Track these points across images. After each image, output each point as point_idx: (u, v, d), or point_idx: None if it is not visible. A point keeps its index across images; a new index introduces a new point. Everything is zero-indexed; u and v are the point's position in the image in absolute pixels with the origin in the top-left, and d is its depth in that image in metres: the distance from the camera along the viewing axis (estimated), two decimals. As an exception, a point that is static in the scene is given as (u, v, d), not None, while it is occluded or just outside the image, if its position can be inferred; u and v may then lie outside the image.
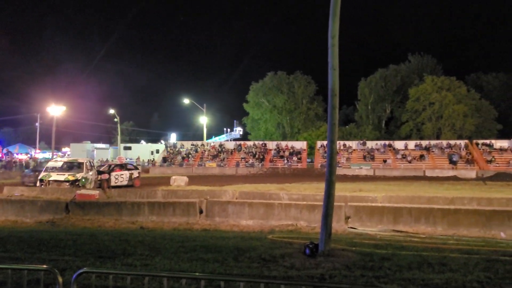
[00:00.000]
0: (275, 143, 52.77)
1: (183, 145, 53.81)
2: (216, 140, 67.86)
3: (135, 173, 27.87)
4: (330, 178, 8.18)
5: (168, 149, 53.21)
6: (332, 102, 8.12)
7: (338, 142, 49.75)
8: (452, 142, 48.14)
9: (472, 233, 11.11)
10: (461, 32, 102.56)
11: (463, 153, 45.14)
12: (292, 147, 50.17)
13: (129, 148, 66.78)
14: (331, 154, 8.25)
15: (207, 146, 53.23)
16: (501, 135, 52.08)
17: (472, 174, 39.47)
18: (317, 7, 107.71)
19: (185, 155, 50.39)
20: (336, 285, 5.58)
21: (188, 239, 9.64)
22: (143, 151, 66.19)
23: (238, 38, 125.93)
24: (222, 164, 47.72)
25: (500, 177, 35.89)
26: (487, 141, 47.24)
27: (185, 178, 27.91)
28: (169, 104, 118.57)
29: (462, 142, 47.51)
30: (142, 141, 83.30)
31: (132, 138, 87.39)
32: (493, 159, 43.13)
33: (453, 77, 55.37)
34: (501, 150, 45.03)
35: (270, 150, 50.24)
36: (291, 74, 66.50)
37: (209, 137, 67.04)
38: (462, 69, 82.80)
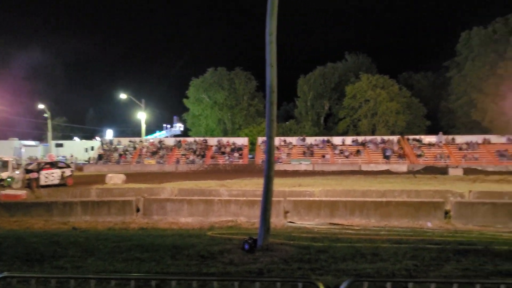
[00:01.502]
0: (216, 139, 52.49)
1: (120, 141, 52.05)
2: (155, 137, 66.35)
3: (67, 172, 26.54)
4: (268, 173, 8.24)
5: (104, 146, 51.22)
6: (270, 98, 8.20)
7: (278, 138, 50.88)
8: (385, 137, 50.46)
9: (402, 224, 11.71)
10: (393, 32, 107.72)
11: (396, 148, 47.48)
12: (234, 143, 50.19)
13: (61, 145, 63.71)
14: (269, 150, 8.33)
15: (145, 142, 51.90)
16: (430, 131, 55.28)
17: (403, 167, 41.61)
18: (256, 4, 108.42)
19: (122, 152, 48.79)
20: (268, 279, 5.61)
21: (124, 238, 9.33)
22: (77, 148, 63.36)
23: (177, 33, 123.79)
24: (161, 161, 46.76)
25: (428, 170, 38.18)
26: (417, 137, 50.01)
27: (122, 176, 27.02)
28: (106, 99, 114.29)
29: (395, 138, 49.95)
30: (76, 138, 79.72)
31: (65, 134, 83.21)
32: (422, 153, 45.73)
33: (386, 75, 58.08)
34: (430, 145, 47.89)
35: (211, 146, 49.94)
36: (232, 70, 66.50)
37: (148, 133, 65.41)
38: (395, 68, 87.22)
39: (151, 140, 53.78)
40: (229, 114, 65.87)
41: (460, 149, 46.39)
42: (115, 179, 26.31)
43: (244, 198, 12.82)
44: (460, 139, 48.49)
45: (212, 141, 51.53)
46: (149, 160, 46.59)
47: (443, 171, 36.13)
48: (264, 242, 7.95)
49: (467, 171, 35.97)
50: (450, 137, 49.48)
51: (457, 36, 55.75)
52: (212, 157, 47.26)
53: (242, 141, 51.32)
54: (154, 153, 48.34)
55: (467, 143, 47.02)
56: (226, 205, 12.40)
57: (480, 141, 47.39)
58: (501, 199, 13.13)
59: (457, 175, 33.08)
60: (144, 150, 49.39)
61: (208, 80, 65.45)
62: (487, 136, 48.31)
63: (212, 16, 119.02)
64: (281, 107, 76.68)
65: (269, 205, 8.19)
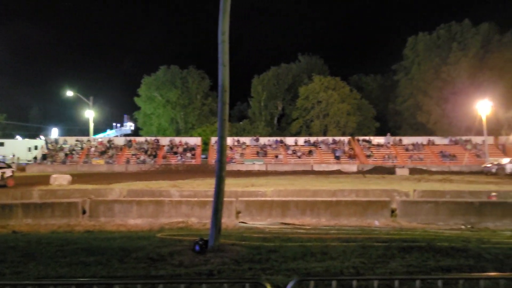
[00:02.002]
0: (168, 139, 51.69)
1: (66, 141, 50.03)
2: (104, 136, 64.32)
3: (8, 172, 25.15)
4: (220, 173, 8.21)
5: (49, 145, 49.02)
6: (222, 98, 8.18)
7: (232, 138, 50.80)
8: (337, 138, 51.74)
9: (351, 222, 12.00)
10: (345, 35, 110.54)
11: (346, 148, 48.77)
12: (186, 143, 49.63)
13: (2, 144, 60.49)
14: (221, 150, 8.30)
15: (94, 142, 50.20)
16: (379, 132, 57.23)
17: (353, 168, 42.79)
18: (210, 2, 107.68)
19: (68, 152, 46.93)
20: (215, 280, 5.56)
21: (68, 242, 8.95)
22: (19, 147, 60.31)
23: (129, 29, 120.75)
24: (110, 161, 45.41)
25: (377, 170, 39.50)
26: (367, 138, 51.70)
27: (68, 177, 25.93)
28: (51, 96, 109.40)
29: (346, 139, 51.33)
30: (18, 137, 75.84)
31: (7, 133, 78.88)
32: (371, 154, 47.27)
33: (338, 77, 59.48)
34: (378, 145, 49.60)
35: (163, 146, 49.11)
36: (185, 69, 65.71)
37: (96, 132, 63.33)
38: (346, 71, 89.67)
39: (100, 140, 52.11)
40: (182, 113, 65.00)
41: (407, 150, 48.36)
42: (60, 180, 25.22)
43: (196, 199, 12.66)
44: (407, 140, 50.57)
45: (164, 140, 50.68)
46: (98, 160, 45.11)
47: (391, 171, 37.48)
48: (215, 243, 7.90)
49: (413, 171, 37.53)
50: (397, 138, 51.52)
51: (405, 41, 58.11)
52: (164, 157, 46.49)
53: (195, 140, 50.86)
54: (102, 153, 46.87)
55: (413, 144, 49.10)
56: (177, 206, 12.19)
57: (425, 142, 49.64)
58: (443, 198, 13.77)
59: (403, 175, 34.40)
60: (92, 149, 47.78)
61: (161, 78, 64.28)
62: (431, 138, 50.71)
63: (166, 13, 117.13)
64: (234, 107, 76.68)
65: (220, 206, 8.15)
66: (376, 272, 6.57)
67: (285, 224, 11.62)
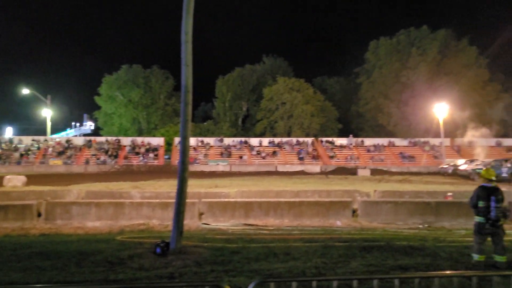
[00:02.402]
0: (130, 139, 50.67)
1: (21, 140, 48.10)
2: (63, 136, 62.26)
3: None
4: (182, 175, 8.13)
5: (3, 145, 46.95)
6: (185, 98, 8.16)
7: (196, 138, 50.32)
8: (301, 139, 52.30)
9: (314, 223, 12.12)
10: (309, 38, 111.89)
11: (310, 149, 49.37)
12: (149, 143, 48.81)
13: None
14: (184, 150, 8.24)
15: (51, 142, 48.48)
16: (341, 134, 58.18)
17: (317, 168, 43.35)
18: (174, 1, 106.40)
19: (24, 152, 45.12)
20: (174, 283, 5.47)
21: (22, 246, 8.59)
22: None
23: (89, 25, 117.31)
24: (69, 161, 43.98)
25: (339, 171, 40.17)
26: (330, 139, 52.56)
27: (23, 178, 24.86)
28: (5, 93, 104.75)
29: (309, 140, 51.97)
30: (-33, 136, 72.17)
31: (-44, 132, 74.86)
32: (334, 155, 48.07)
33: (302, 79, 60.13)
34: (341, 147, 50.52)
35: (125, 146, 48.10)
36: (149, 68, 64.61)
37: (54, 132, 61.17)
38: (310, 73, 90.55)
39: (58, 139, 50.42)
40: (144, 113, 63.82)
41: (368, 151, 49.49)
42: (14, 181, 24.16)
43: (158, 200, 12.43)
44: (368, 141, 51.78)
45: (126, 140, 49.65)
46: (55, 161, 43.59)
47: (353, 171, 38.21)
48: (177, 245, 7.81)
49: (374, 172, 38.41)
50: (359, 139, 52.69)
51: (367, 45, 59.43)
52: (126, 158, 45.51)
53: (158, 141, 50.12)
54: (60, 153, 45.35)
55: (374, 146, 50.31)
56: (138, 207, 11.92)
57: (385, 144, 50.99)
58: (402, 198, 14.15)
59: (365, 176, 35.14)
60: (50, 150, 46.14)
61: (122, 77, 62.87)
62: (392, 139, 52.14)
63: (129, 11, 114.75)
64: (199, 107, 76.06)
65: (182, 207, 8.07)
66: (337, 272, 6.66)
67: (248, 225, 11.60)
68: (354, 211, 12.82)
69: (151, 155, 46.22)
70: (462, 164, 35.01)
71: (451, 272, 5.13)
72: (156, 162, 45.21)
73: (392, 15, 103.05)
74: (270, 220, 12.08)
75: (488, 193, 6.99)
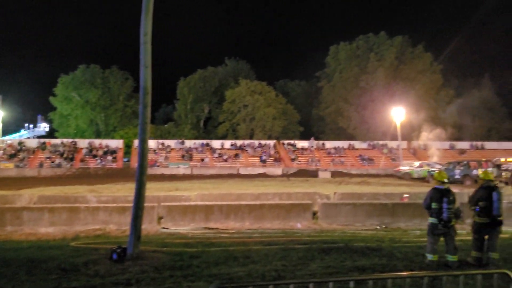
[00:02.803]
0: (87, 141, 49.19)
1: (-32, 142, 45.75)
2: (15, 138, 59.65)
3: None
4: (140, 178, 8.00)
5: (-51, 147, 44.48)
6: (144, 100, 8.07)
7: (156, 141, 49.52)
8: (263, 142, 52.51)
9: (274, 225, 12.16)
10: (271, 41, 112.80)
11: (272, 152, 49.67)
12: (107, 146, 47.56)
13: None
14: (142, 153, 8.13)
15: (2, 144, 46.32)
16: (303, 136, 58.86)
17: (278, 171, 43.60)
18: (132, 1, 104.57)
19: (-28, 155, 42.92)
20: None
21: (-32, 254, 8.12)
22: None
23: (44, 24, 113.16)
24: (21, 164, 42.11)
25: (301, 173, 40.59)
26: (292, 142, 53.07)
27: (-28, 182, 23.63)
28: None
29: (271, 142, 52.28)
30: None
31: None
32: (296, 157, 48.57)
33: (264, 82, 60.44)
34: (303, 149, 51.13)
35: (81, 149, 46.62)
36: (107, 68, 63.01)
37: (5, 133, 58.46)
38: (272, 76, 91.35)
39: (9, 141, 48.22)
40: (102, 115, 62.10)
41: (329, 153, 50.34)
42: (-38, 185, 22.93)
43: (115, 205, 12.10)
44: (329, 144, 52.68)
45: (83, 143, 48.15)
46: (6, 164, 41.62)
47: (314, 174, 38.73)
48: (134, 251, 7.64)
49: (335, 174, 39.11)
50: (320, 142, 53.52)
51: (327, 49, 60.49)
52: (82, 161, 44.10)
53: (117, 143, 48.93)
54: (12, 156, 43.37)
55: (335, 148, 51.25)
56: (94, 212, 11.55)
57: (346, 146, 52.06)
58: (360, 200, 14.45)
59: (325, 178, 35.71)
60: (1, 152, 44.07)
61: (79, 77, 60.96)
62: (351, 142, 53.30)
63: (87, 9, 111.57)
64: (160, 109, 74.97)
65: (140, 211, 7.92)
66: (296, 274, 6.70)
67: (209, 228, 11.50)
68: (314, 213, 12.96)
69: (109, 157, 45.03)
70: (418, 167, 36.18)
71: (403, 273, 5.29)
72: (114, 165, 44.10)
73: (352, 20, 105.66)
74: (230, 223, 12.03)
75: (440, 195, 7.23)
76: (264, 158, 47.62)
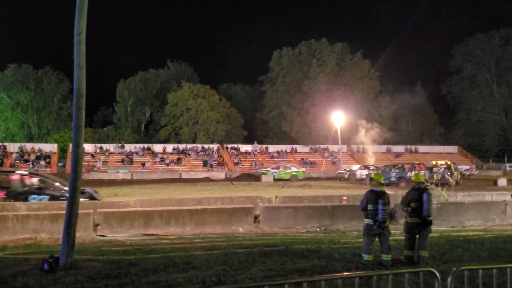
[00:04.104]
0: (18, 145, 46.52)
1: None
2: None
3: None
4: (74, 184, 7.68)
5: None
6: (78, 103, 7.76)
7: (94, 145, 47.84)
8: (206, 146, 52.19)
9: (216, 230, 12.08)
10: (214, 44, 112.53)
11: (215, 156, 49.46)
12: (40, 150, 45.18)
13: None
14: (76, 158, 7.81)
15: None
16: (246, 140, 59.19)
17: (222, 175, 43.45)
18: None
19: None
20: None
21: None
22: None
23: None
24: None
25: (244, 177, 40.65)
26: (235, 146, 53.20)
27: None
28: None
29: (215, 146, 52.10)
30: None
31: None
32: (239, 161, 48.68)
33: (207, 85, 60.17)
34: (246, 153, 51.40)
35: (12, 153, 43.99)
36: (41, 69, 59.88)
37: None
38: (215, 79, 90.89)
39: None
40: (35, 117, 58.88)
41: (272, 157, 50.95)
42: None
43: (47, 212, 11.44)
44: (272, 148, 53.38)
45: (13, 147, 45.47)
46: None
47: (257, 177, 38.95)
48: (67, 260, 7.28)
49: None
50: (264, 146, 54.09)
51: (271, 54, 61.30)
52: (12, 166, 41.52)
53: (51, 147, 46.67)
54: None
55: (278, 152, 51.97)
56: (23, 220, 10.85)
57: (288, 150, 53.00)
58: (301, 203, 14.70)
59: (268, 182, 36.04)
60: None
61: (9, 77, 57.49)
62: (294, 146, 54.36)
63: (17, 6, 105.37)
64: (98, 111, 72.40)
65: (74, 219, 7.57)
66: (237, 279, 6.67)
67: (148, 235, 11.20)
68: (256, 217, 13.00)
69: (42, 162, 42.77)
70: (358, 170, 37.54)
71: (336, 275, 5.46)
72: (48, 170, 41.85)
73: (295, 26, 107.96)
74: (171, 229, 11.79)
75: (376, 197, 7.50)
76: (207, 162, 47.33)
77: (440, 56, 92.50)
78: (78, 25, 7.65)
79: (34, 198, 14.18)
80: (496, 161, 52.89)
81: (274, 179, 37.12)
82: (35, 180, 15.54)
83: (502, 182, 30.49)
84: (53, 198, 14.40)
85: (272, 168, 39.60)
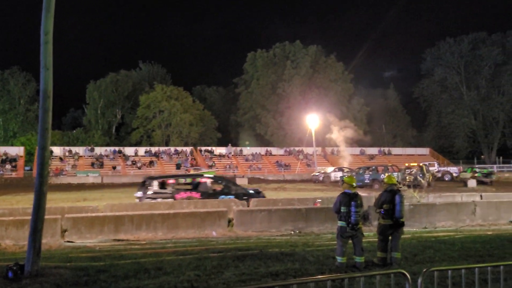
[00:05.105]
0: (-18, 148, 44.98)
1: None
2: None
3: None
4: (40, 188, 7.46)
5: None
6: (44, 104, 7.59)
7: (63, 148, 46.72)
8: (179, 148, 51.66)
9: (189, 235, 11.89)
10: (188, 46, 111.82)
11: (189, 158, 49.02)
12: (6, 153, 43.83)
13: None
14: (43, 162, 7.62)
15: None
16: (220, 143, 58.95)
17: (195, 178, 42.95)
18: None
19: None
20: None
21: None
22: None
23: None
24: None
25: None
26: (209, 148, 52.90)
27: None
28: None
29: (188, 149, 51.62)
30: None
31: None
32: (213, 164, 48.40)
33: (180, 87, 59.54)
34: (220, 156, 51.17)
35: (-24, 156, 42.49)
36: (7, 69, 58.02)
37: None
38: (189, 81, 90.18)
39: None
40: (0, 120, 56.95)
41: (247, 160, 50.90)
42: None
43: (11, 218, 11.03)
44: (246, 150, 53.29)
45: (-23, 150, 43.92)
46: None
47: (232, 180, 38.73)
48: (33, 267, 7.04)
49: (252, 180, 39.50)
50: (238, 148, 53.94)
51: (245, 56, 61.30)
52: (-22, 169, 40.18)
53: (17, 150, 45.39)
54: None
55: (252, 154, 51.96)
56: (-14, 227, 10.43)
57: (263, 153, 53.05)
58: (276, 206, 14.64)
59: (243, 184, 35.87)
60: None
61: (-28, 78, 55.56)
62: (269, 148, 54.47)
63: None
64: (67, 114, 70.74)
65: (40, 225, 7.34)
66: (209, 283, 6.56)
67: (119, 240, 10.93)
68: (230, 221, 12.89)
69: (8, 166, 41.47)
70: (332, 172, 37.83)
71: (308, 278, 5.43)
72: (14, 174, 40.70)
73: (269, 28, 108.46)
74: (142, 234, 11.54)
75: (349, 199, 7.51)
76: (180, 165, 46.83)
77: (412, 59, 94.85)
78: (45, 25, 7.50)
79: (223, 198, 15.92)
80: (466, 162, 54.41)
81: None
82: (220, 182, 17.81)
83: (472, 183, 31.26)
84: (237, 196, 16.00)
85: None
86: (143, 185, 16.74)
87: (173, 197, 15.91)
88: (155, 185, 16.50)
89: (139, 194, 16.37)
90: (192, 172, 37.13)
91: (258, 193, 17.23)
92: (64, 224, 11.10)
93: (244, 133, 61.65)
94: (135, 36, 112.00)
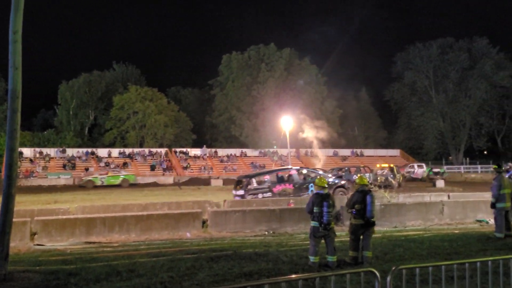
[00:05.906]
0: None
1: None
2: None
3: None
4: (8, 191, 7.32)
5: None
6: (13, 105, 7.47)
7: (33, 149, 45.54)
8: (154, 150, 51.10)
9: (163, 236, 11.81)
10: (162, 47, 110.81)
11: (163, 160, 48.55)
12: (-26, 155, 42.36)
13: None
14: (11, 164, 7.46)
15: None
16: (195, 144, 58.56)
17: (170, 180, 42.68)
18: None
19: None
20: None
21: None
22: None
23: None
24: None
25: (193, 181, 40.20)
26: (184, 150, 52.51)
27: None
28: None
29: (163, 150, 51.11)
30: None
31: None
32: (188, 165, 48.06)
33: (155, 88, 58.90)
34: (195, 157, 50.88)
35: None
36: (-24, 69, 56.28)
37: None
38: (163, 82, 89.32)
39: None
40: (-34, 120, 55.18)
41: (222, 161, 50.77)
42: None
43: (-22, 221, 10.70)
44: (222, 152, 53.19)
45: None
46: None
47: (206, 182, 38.64)
48: (0, 272, 6.92)
49: (227, 182, 39.32)
50: (213, 150, 53.78)
51: (220, 58, 61.17)
52: None
53: (-16, 152, 43.81)
54: None
55: (227, 156, 51.86)
56: (-49, 231, 10.08)
57: (238, 154, 53.04)
58: (250, 207, 14.69)
59: (218, 186, 35.86)
60: None
61: None
62: (244, 150, 54.47)
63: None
64: (38, 114, 68.99)
65: (8, 228, 7.20)
66: (183, 285, 6.55)
67: (91, 243, 10.76)
68: (204, 222, 12.86)
69: (-24, 168, 40.11)
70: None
71: (279, 278, 5.51)
72: (-17, 177, 39.40)
73: (244, 30, 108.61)
74: (115, 236, 11.39)
75: (321, 199, 7.63)
76: (155, 166, 46.36)
77: (383, 63, 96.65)
78: (14, 23, 7.38)
79: (311, 187, 17.09)
80: (435, 163, 55.79)
81: (104, 186, 35.13)
82: (306, 172, 19.52)
83: (440, 183, 32.12)
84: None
85: (100, 174, 37.75)
86: (240, 183, 18.00)
87: (271, 191, 17.24)
88: (254, 182, 17.91)
89: (240, 192, 17.56)
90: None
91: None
92: (34, 227, 10.86)
93: (219, 135, 61.31)
94: (109, 36, 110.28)
